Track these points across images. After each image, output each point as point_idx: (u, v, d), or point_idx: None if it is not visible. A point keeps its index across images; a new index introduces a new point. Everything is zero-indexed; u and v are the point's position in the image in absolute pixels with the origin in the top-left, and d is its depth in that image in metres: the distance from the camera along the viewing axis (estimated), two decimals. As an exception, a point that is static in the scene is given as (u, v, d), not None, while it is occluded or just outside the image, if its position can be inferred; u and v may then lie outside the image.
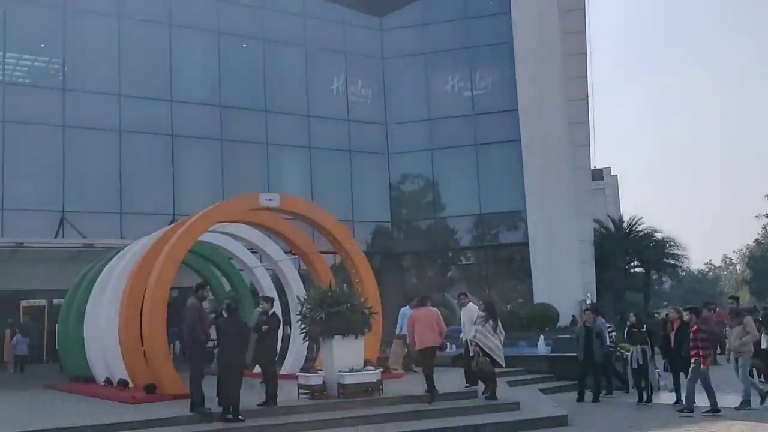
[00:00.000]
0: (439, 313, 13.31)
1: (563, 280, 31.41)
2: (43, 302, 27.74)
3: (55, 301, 25.63)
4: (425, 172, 36.04)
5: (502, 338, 12.80)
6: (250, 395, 12.01)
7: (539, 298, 31.40)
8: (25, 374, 23.51)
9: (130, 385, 14.95)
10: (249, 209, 15.58)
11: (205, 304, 11.92)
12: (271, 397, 11.71)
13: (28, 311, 27.43)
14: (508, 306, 33.32)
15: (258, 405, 11.68)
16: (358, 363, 12.52)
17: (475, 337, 12.63)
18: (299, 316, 13.02)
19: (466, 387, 12.97)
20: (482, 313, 12.77)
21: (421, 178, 36.34)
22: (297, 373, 12.82)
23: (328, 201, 32.37)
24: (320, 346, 13.03)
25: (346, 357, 12.44)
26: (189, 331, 11.24)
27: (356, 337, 12.58)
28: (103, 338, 16.32)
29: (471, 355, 12.74)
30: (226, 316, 11.36)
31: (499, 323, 12.82)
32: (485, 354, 12.46)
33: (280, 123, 33.30)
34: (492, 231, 35.51)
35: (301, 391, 12.55)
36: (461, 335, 13.82)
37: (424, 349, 12.84)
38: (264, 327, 11.91)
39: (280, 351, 16.48)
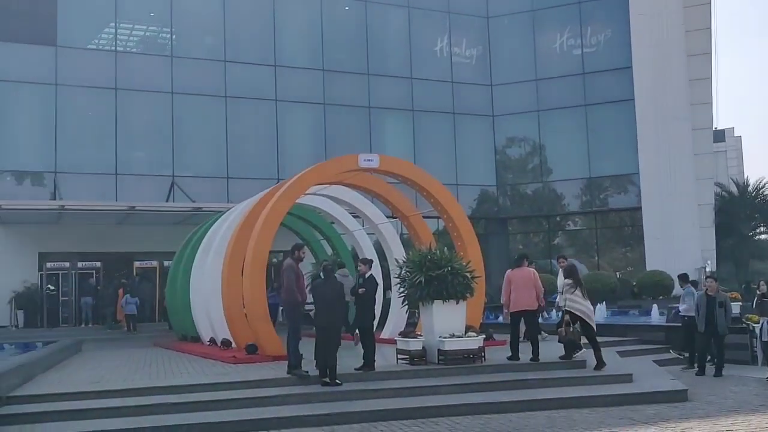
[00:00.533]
0: (537, 274, 12.63)
1: (679, 247, 29.74)
2: (155, 263, 28.58)
3: (166, 263, 26.44)
4: (531, 134, 34.92)
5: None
6: (348, 359, 11.78)
7: (652, 265, 29.85)
8: (136, 333, 24.40)
9: (233, 345, 15.09)
10: (347, 170, 15.23)
11: (306, 267, 11.71)
12: (368, 361, 11.41)
13: (140, 272, 28.40)
14: (618, 274, 31.95)
15: (356, 369, 11.41)
16: (459, 329, 12.03)
17: (565, 305, 11.89)
18: (398, 280, 12.62)
19: (575, 355, 12.25)
20: (568, 280, 11.98)
21: (528, 141, 35.27)
22: (396, 338, 12.44)
23: (431, 164, 31.76)
24: (420, 311, 12.61)
25: (447, 322, 11.96)
26: (285, 292, 11.04)
27: (457, 302, 12.06)
28: (207, 300, 16.58)
29: (562, 323, 11.99)
30: (323, 278, 11.09)
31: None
32: (577, 319, 11.74)
33: (382, 86, 32.90)
34: (602, 195, 34.11)
35: (399, 356, 12.20)
36: (556, 301, 13.11)
37: (518, 312, 12.32)
38: (361, 290, 11.58)
39: (381, 315, 16.29)
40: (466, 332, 12.16)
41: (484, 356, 12.16)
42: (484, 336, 12.43)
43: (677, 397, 10.39)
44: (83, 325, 26.49)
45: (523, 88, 34.36)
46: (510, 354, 12.28)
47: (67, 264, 27.23)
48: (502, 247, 35.08)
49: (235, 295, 14.62)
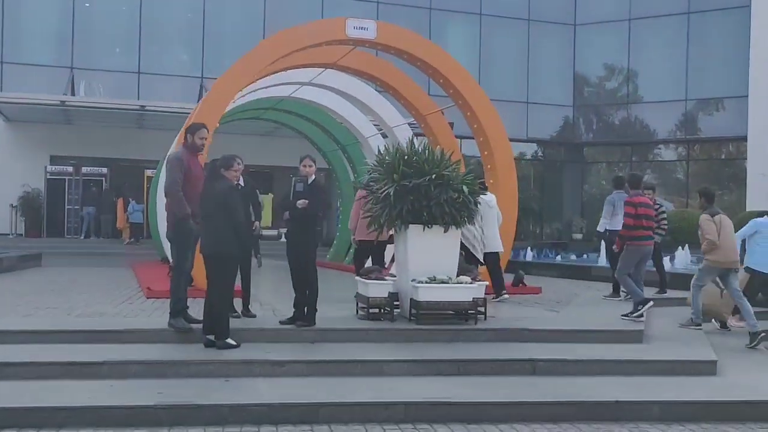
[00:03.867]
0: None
1: (790, 186, 24.34)
2: None
3: None
4: (619, 47, 29.59)
5: None
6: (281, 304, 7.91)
7: (753, 205, 24.47)
8: (139, 246, 21.55)
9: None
10: (333, 41, 11.07)
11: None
12: (303, 313, 7.49)
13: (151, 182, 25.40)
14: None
15: (282, 322, 7.55)
16: (447, 270, 7.91)
17: None
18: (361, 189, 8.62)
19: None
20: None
21: (614, 55, 29.93)
22: (358, 278, 8.41)
23: (498, 79, 28.29)
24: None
25: (429, 260, 7.87)
26: (168, 199, 7.19)
27: (446, 230, 7.91)
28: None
29: None
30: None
31: None
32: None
33: (446, -15, 28.26)
34: (700, 121, 28.67)
35: (360, 305, 8.22)
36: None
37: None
38: (300, 202, 7.52)
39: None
40: (458, 276, 8.05)
41: (483, 313, 8.07)
42: (482, 282, 8.24)
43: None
44: (83, 237, 23.71)
45: (612, -8, 29.20)
46: None
47: (70, 169, 24.34)
48: (576, 177, 30.55)
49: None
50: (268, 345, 7.05)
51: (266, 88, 13.71)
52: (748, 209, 24.69)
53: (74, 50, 25.31)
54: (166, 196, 7.31)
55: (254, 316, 7.99)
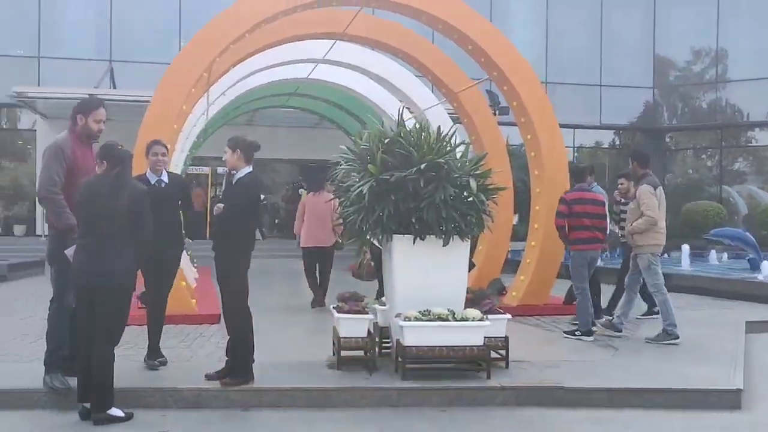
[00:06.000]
0: None
1: None
2: (207, 170, 24.59)
3: (221, 170, 22.39)
4: (706, 20, 26.09)
5: None
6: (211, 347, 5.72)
7: None
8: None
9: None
10: None
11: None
12: (239, 364, 5.27)
13: (192, 178, 23.91)
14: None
15: (208, 376, 5.32)
16: (448, 300, 5.54)
17: None
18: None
19: None
20: None
21: (700, 29, 26.47)
22: (332, 307, 6.13)
23: (566, 57, 25.20)
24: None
25: (419, 285, 5.52)
26: (41, 203, 5.11)
27: (445, 243, 5.54)
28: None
29: None
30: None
31: None
32: None
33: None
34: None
35: (334, 347, 5.95)
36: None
37: None
38: (217, 208, 5.27)
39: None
40: (468, 304, 5.68)
41: (505, 358, 5.71)
42: (501, 315, 5.82)
43: None
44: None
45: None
46: None
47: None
48: (657, 165, 27.33)
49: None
50: (179, 414, 4.89)
51: (271, 68, 11.61)
52: None
53: (112, 43, 24.01)
54: (40, 201, 5.24)
55: (164, 363, 5.80)
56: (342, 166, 5.80)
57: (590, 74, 26.04)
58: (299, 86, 14.08)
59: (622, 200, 8.69)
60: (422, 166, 5.34)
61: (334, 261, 9.76)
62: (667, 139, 28.17)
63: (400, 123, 5.79)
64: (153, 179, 5.95)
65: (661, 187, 7.44)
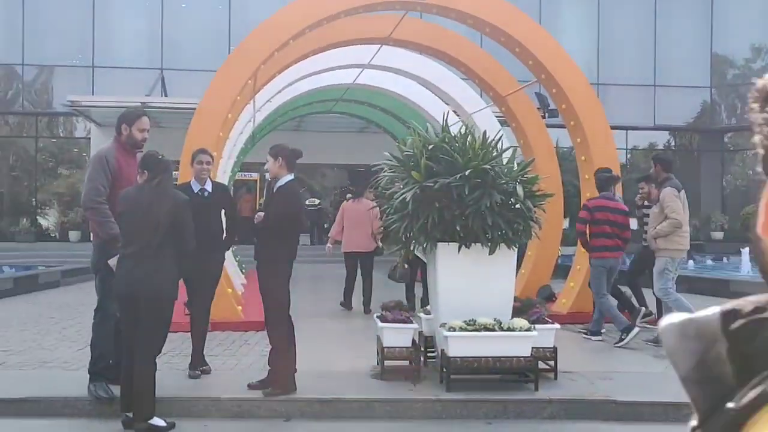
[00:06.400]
0: None
1: None
2: (256, 176, 24.72)
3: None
4: (767, 13, 25.31)
5: None
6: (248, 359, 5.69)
7: None
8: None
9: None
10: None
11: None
12: (275, 374, 5.21)
13: (240, 185, 24.02)
14: None
15: (249, 386, 5.27)
16: (495, 310, 5.39)
17: None
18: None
19: None
20: None
21: (760, 27, 25.65)
22: (375, 316, 6.03)
23: (619, 59, 24.83)
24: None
25: (465, 295, 5.38)
26: (86, 213, 5.14)
27: (492, 251, 5.39)
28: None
29: None
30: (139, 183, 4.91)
31: None
32: None
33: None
34: None
35: (378, 356, 5.85)
36: None
37: None
38: (258, 216, 5.23)
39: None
40: (516, 313, 5.53)
41: (554, 369, 5.53)
42: (551, 324, 5.64)
43: None
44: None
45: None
46: None
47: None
48: (715, 168, 26.65)
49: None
50: (221, 423, 4.85)
51: (317, 74, 11.60)
52: None
53: (163, 51, 24.39)
54: (84, 211, 5.28)
55: (207, 372, 5.78)
56: (385, 173, 5.70)
57: (644, 74, 25.47)
58: (346, 91, 14.05)
59: (645, 204, 8.48)
60: (467, 173, 5.21)
61: (374, 265, 9.73)
62: (726, 140, 27.34)
63: (445, 128, 5.67)
64: (196, 188, 5.95)
65: (684, 191, 7.24)
